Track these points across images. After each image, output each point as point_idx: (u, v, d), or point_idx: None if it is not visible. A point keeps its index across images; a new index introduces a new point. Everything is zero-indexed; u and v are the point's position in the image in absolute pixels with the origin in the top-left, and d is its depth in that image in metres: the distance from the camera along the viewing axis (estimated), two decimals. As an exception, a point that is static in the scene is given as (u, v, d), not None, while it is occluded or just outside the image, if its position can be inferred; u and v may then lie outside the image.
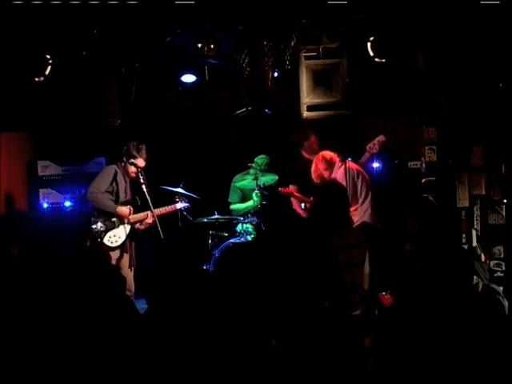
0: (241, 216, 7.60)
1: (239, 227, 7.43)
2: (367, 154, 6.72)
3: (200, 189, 7.41)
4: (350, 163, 6.53)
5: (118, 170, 6.49)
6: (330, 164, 6.58)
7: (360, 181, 6.54)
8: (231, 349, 3.33)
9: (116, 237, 6.43)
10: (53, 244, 7.48)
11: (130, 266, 6.53)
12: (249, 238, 7.28)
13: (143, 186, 6.45)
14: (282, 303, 4.05)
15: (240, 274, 6.23)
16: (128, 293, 6.17)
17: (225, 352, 3.29)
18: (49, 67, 6.49)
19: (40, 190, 8.00)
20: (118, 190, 6.47)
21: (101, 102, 6.84)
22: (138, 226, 6.57)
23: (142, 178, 6.47)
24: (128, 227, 6.51)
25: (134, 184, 6.58)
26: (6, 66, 6.38)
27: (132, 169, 6.47)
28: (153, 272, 6.69)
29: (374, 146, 6.61)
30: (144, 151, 6.48)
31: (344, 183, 6.34)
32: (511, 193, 5.98)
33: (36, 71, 6.48)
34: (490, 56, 6.01)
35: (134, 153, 6.43)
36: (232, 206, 7.97)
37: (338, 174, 6.55)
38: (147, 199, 6.47)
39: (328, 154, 6.64)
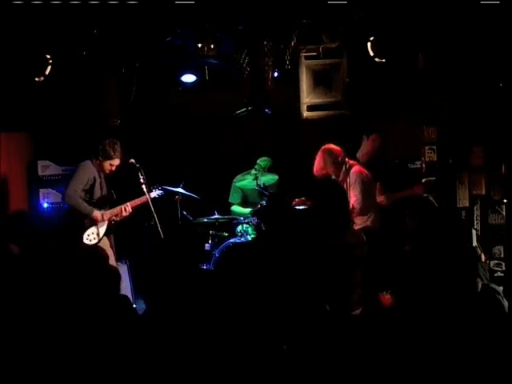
0: (241, 216, 7.61)
1: (239, 227, 7.43)
2: (400, 194, 6.79)
3: (200, 189, 7.42)
4: (359, 167, 6.50)
5: (92, 167, 6.59)
6: (341, 163, 6.44)
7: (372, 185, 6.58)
8: (230, 348, 3.33)
9: (94, 234, 6.56)
10: (52, 244, 7.47)
11: (116, 261, 6.63)
12: (249, 238, 7.29)
13: (143, 186, 6.51)
14: (283, 303, 4.05)
15: (240, 273, 6.23)
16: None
17: (224, 352, 3.29)
18: (49, 67, 6.49)
19: (40, 189, 7.98)
20: (93, 186, 6.56)
21: (101, 101, 6.85)
22: (113, 218, 6.68)
23: (142, 177, 6.54)
24: (105, 223, 6.62)
25: (114, 181, 6.63)
26: (6, 66, 6.37)
27: (107, 166, 6.60)
28: (152, 272, 6.73)
29: (411, 191, 6.69)
30: (119, 150, 6.61)
31: (358, 186, 6.31)
32: (511, 193, 5.98)
33: (36, 71, 6.47)
34: (490, 56, 6.01)
35: (112, 153, 6.55)
36: (233, 208, 7.97)
37: (351, 177, 6.42)
38: (147, 199, 6.51)
39: (340, 150, 6.51)
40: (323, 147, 6.48)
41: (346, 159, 6.50)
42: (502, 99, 6.01)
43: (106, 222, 6.63)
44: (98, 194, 6.62)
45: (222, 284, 4.06)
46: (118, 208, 6.65)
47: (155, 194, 6.90)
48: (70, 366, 3.28)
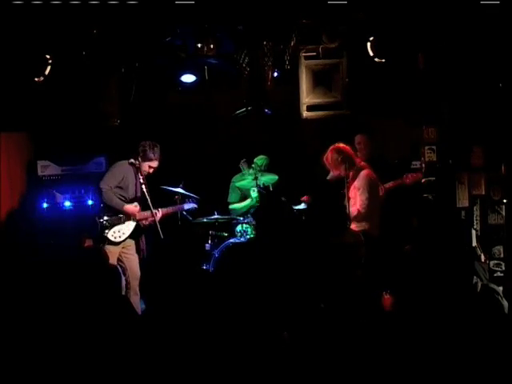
0: (240, 216, 7.62)
1: (238, 227, 7.44)
2: (399, 181, 6.78)
3: (200, 189, 7.42)
4: (369, 170, 6.49)
5: (129, 167, 6.55)
6: (352, 163, 6.44)
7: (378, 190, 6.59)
8: (230, 348, 3.33)
9: (120, 232, 6.49)
10: (52, 244, 7.47)
11: (140, 259, 6.63)
12: (248, 238, 7.30)
13: (143, 186, 6.51)
14: (282, 303, 4.05)
15: (240, 273, 6.23)
16: (136, 282, 6.30)
17: (224, 351, 3.29)
18: (49, 67, 6.49)
19: (40, 190, 7.98)
20: (128, 186, 6.53)
21: (101, 102, 6.84)
22: (143, 222, 6.63)
23: (141, 177, 6.53)
24: (133, 224, 6.57)
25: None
26: (6, 66, 6.37)
27: (146, 168, 6.58)
28: (152, 272, 6.73)
29: (410, 177, 6.69)
30: (159, 152, 6.60)
31: (366, 191, 6.30)
32: (511, 193, 5.98)
33: (36, 71, 6.48)
34: (490, 56, 6.01)
35: (151, 155, 6.52)
36: (231, 206, 7.98)
37: (360, 180, 6.41)
38: (147, 199, 6.52)
39: (350, 150, 6.50)
40: (332, 146, 6.47)
41: (358, 160, 6.50)
42: (501, 99, 6.01)
43: (134, 223, 6.59)
44: (131, 194, 6.58)
45: (221, 284, 4.06)
46: (149, 212, 6.58)
47: (189, 206, 6.94)
48: (70, 366, 3.29)
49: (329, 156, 6.45)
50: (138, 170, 6.56)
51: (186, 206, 6.94)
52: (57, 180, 8.01)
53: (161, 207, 6.63)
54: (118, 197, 6.49)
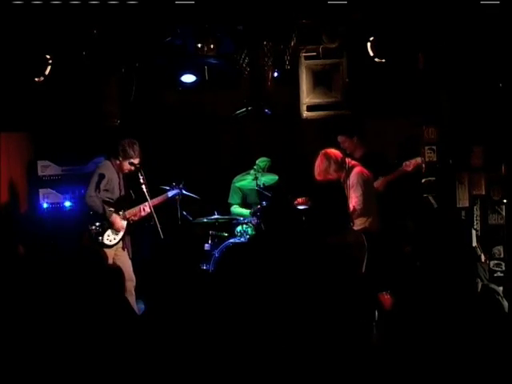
0: (240, 217, 7.61)
1: (239, 227, 7.44)
2: (400, 171, 6.79)
3: (200, 189, 7.42)
4: (361, 167, 6.51)
5: (111, 167, 6.61)
6: (341, 166, 6.48)
7: (373, 186, 6.60)
8: (230, 349, 3.33)
9: (113, 235, 6.54)
10: (52, 244, 7.48)
11: (130, 259, 6.71)
12: (248, 238, 7.29)
13: (143, 186, 6.54)
14: (282, 303, 4.05)
15: (240, 274, 6.22)
16: (131, 283, 6.33)
17: (224, 352, 3.30)
18: (49, 67, 6.49)
19: (40, 189, 7.99)
20: (113, 186, 6.57)
21: (101, 101, 6.84)
22: (132, 218, 6.70)
23: (141, 177, 6.57)
24: (124, 223, 6.60)
25: (132, 180, 6.65)
26: (6, 66, 6.38)
27: (127, 166, 6.60)
28: (152, 272, 6.74)
29: (410, 164, 6.70)
30: (138, 149, 6.63)
31: (360, 188, 6.32)
32: (511, 193, 5.98)
33: (36, 71, 6.48)
34: (490, 56, 6.02)
35: (131, 153, 6.55)
36: (232, 209, 7.97)
37: (352, 178, 6.43)
38: (147, 199, 6.54)
39: (339, 154, 6.55)
40: (322, 152, 6.51)
41: (347, 160, 6.52)
42: (502, 99, 6.01)
43: (125, 222, 6.65)
44: (117, 194, 6.65)
45: (221, 284, 4.06)
46: (137, 208, 6.66)
47: (173, 192, 6.96)
48: (69, 366, 3.29)
49: (319, 163, 6.49)
50: (119, 168, 6.61)
51: (170, 194, 6.96)
52: (57, 180, 8.02)
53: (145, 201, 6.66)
54: (106, 199, 6.53)
